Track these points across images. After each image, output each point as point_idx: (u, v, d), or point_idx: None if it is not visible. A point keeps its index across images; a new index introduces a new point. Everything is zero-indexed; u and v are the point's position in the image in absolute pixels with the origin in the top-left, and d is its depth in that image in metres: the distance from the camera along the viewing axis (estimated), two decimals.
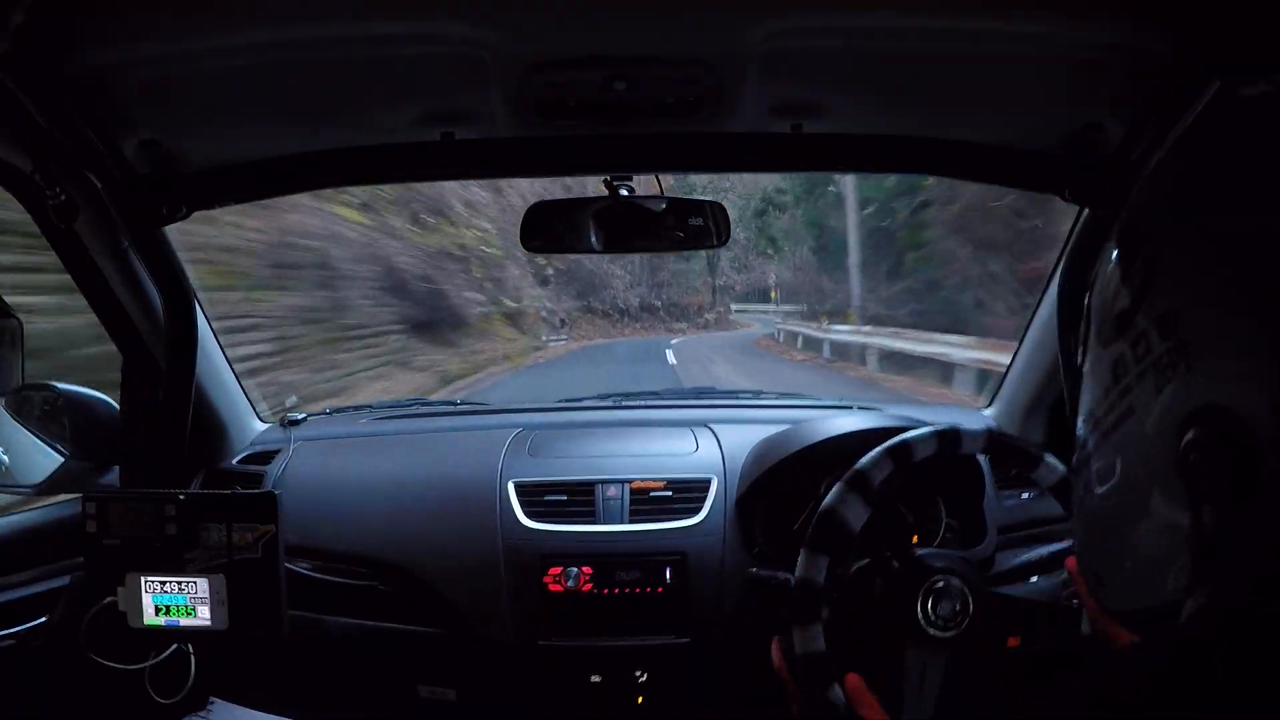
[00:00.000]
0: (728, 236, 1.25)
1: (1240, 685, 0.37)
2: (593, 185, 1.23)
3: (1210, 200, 0.43)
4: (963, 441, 0.96)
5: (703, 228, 1.23)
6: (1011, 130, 1.10)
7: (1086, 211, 1.17)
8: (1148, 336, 0.43)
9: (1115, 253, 0.48)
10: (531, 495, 1.29)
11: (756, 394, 1.75)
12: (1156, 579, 0.43)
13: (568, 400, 1.75)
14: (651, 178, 1.26)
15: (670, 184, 1.27)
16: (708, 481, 1.30)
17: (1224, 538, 0.38)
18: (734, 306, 26.90)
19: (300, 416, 1.54)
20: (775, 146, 1.12)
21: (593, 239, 1.23)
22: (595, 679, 1.24)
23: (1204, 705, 0.37)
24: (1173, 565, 0.42)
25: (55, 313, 3.11)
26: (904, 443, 0.95)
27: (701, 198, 1.24)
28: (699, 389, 1.80)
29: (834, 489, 0.93)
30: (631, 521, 1.26)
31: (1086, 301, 0.54)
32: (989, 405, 1.59)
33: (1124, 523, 0.46)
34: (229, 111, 1.03)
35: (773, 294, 26.91)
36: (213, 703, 1.29)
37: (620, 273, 20.70)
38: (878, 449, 0.94)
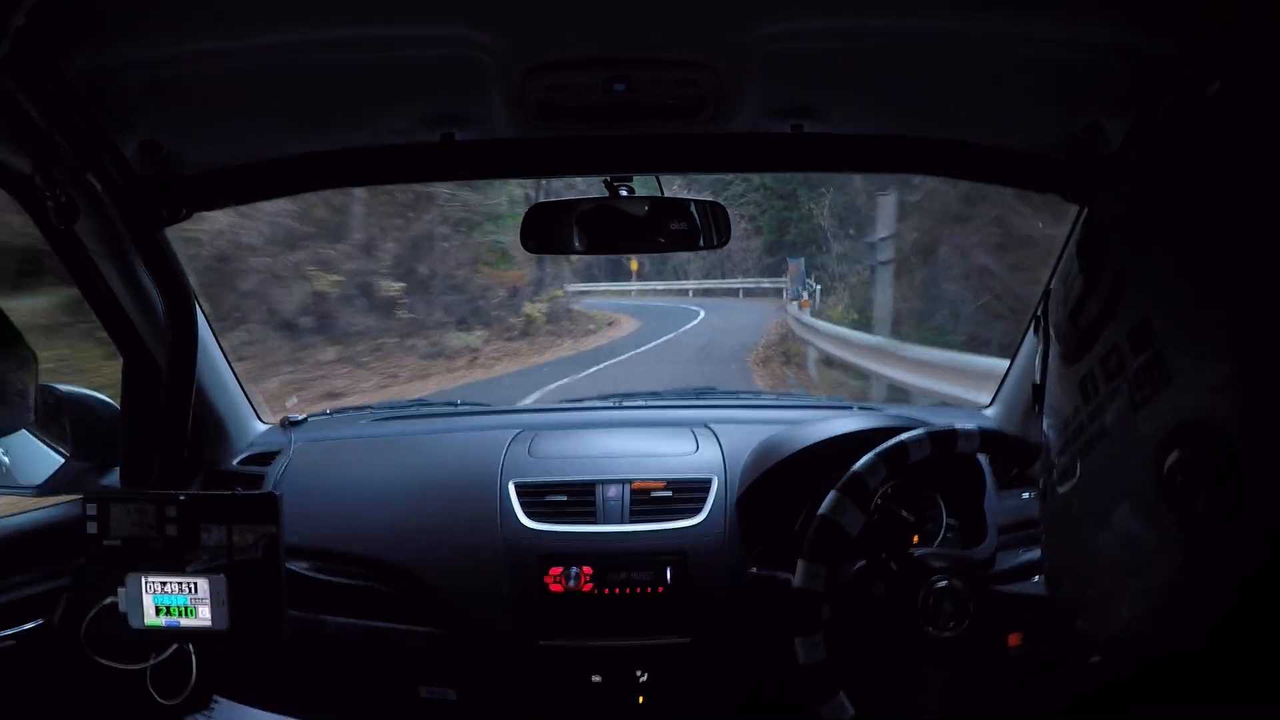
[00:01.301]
0: (728, 237, 1.25)
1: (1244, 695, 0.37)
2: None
3: (1186, 199, 0.39)
4: (958, 441, 0.96)
5: (703, 228, 1.23)
6: (1011, 131, 1.10)
7: (1086, 212, 1.18)
8: (1119, 351, 0.40)
9: (1079, 259, 0.45)
10: (532, 495, 1.29)
11: (756, 394, 1.76)
12: (1130, 600, 0.41)
13: (568, 400, 1.76)
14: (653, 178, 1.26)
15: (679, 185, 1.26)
16: (708, 482, 1.30)
17: (1218, 560, 0.36)
18: (571, 288, 16.90)
19: (300, 417, 1.54)
20: (775, 147, 1.12)
21: (592, 240, 1.23)
22: (596, 679, 1.24)
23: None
24: (1138, 581, 0.40)
25: None
26: (898, 445, 0.94)
27: (701, 197, 1.24)
28: (699, 389, 1.80)
29: (829, 496, 0.93)
30: (632, 521, 1.26)
31: (1037, 313, 0.51)
32: (990, 405, 1.59)
33: (1102, 548, 0.43)
34: (229, 113, 1.03)
35: (633, 265, 19.92)
36: (216, 701, 1.29)
37: (282, 212, 6.96)
38: (871, 454, 0.94)
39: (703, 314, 14.82)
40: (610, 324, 14.01)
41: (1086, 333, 0.42)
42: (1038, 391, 0.51)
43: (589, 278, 20.08)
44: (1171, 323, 0.38)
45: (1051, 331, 0.48)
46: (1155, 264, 0.40)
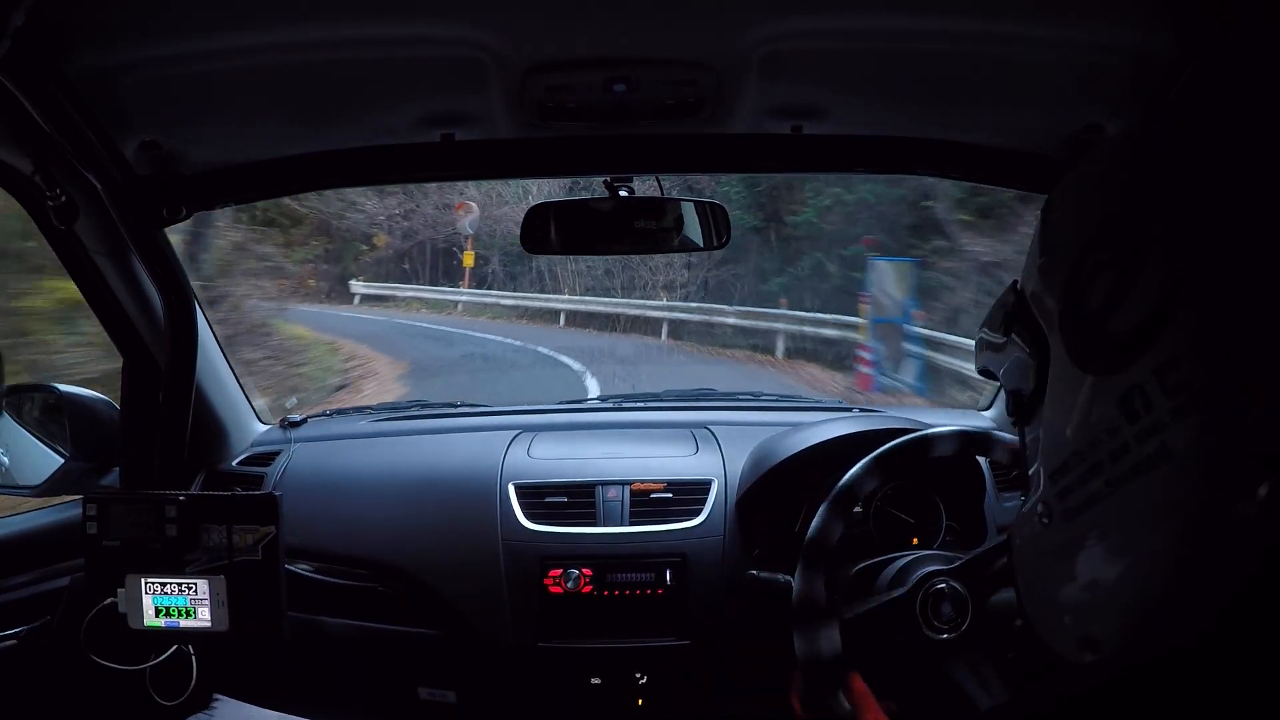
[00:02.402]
0: (728, 237, 1.25)
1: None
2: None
3: (1253, 190, 0.34)
4: (933, 446, 0.95)
5: (703, 228, 1.23)
6: (1011, 132, 1.10)
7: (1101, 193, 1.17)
8: (1182, 363, 0.34)
9: (1102, 250, 0.39)
10: (531, 497, 1.29)
11: (756, 395, 1.75)
12: (1141, 621, 0.39)
13: (568, 402, 1.75)
14: (653, 178, 1.26)
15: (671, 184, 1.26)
16: (708, 483, 1.29)
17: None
18: (360, 285, 12.97)
19: (300, 418, 1.54)
20: (775, 148, 1.12)
21: (592, 240, 1.23)
22: (595, 681, 1.24)
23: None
24: (1157, 603, 0.38)
25: None
26: (886, 453, 0.93)
27: (701, 198, 1.24)
28: (698, 390, 1.80)
29: (819, 513, 0.93)
30: (632, 523, 1.26)
31: (1009, 308, 0.45)
32: (989, 408, 1.59)
33: (1121, 578, 0.39)
34: (229, 113, 1.03)
35: (467, 260, 12.93)
36: (217, 700, 1.28)
37: None
38: (860, 464, 0.94)
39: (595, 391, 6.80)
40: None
41: (1130, 339, 0.37)
42: (1025, 405, 0.45)
43: (403, 276, 13.19)
44: (1253, 332, 0.33)
45: (1059, 334, 0.41)
46: (1222, 261, 0.34)
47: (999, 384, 1.55)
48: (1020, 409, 0.46)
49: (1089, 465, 0.39)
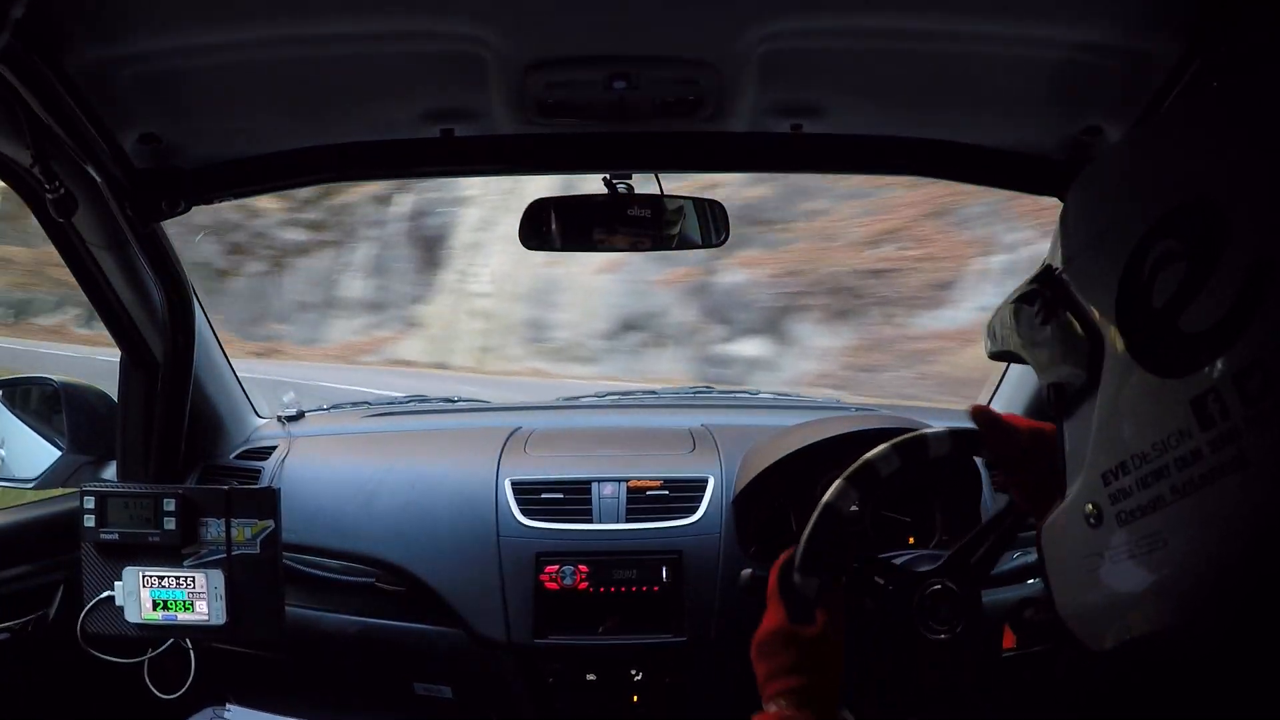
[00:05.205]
0: (727, 235, 1.24)
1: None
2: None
3: None
4: (928, 448, 0.92)
5: (701, 226, 1.23)
6: (1011, 133, 1.10)
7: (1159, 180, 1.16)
8: (1265, 368, 0.33)
9: (1166, 241, 0.37)
10: (528, 493, 1.29)
11: (754, 394, 1.75)
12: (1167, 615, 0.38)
13: (566, 399, 1.76)
14: (651, 176, 1.26)
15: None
16: (704, 481, 1.30)
17: None
18: None
19: (297, 412, 1.54)
20: (775, 147, 1.12)
21: (591, 237, 1.23)
22: (590, 677, 1.25)
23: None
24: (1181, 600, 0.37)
25: None
26: (866, 464, 0.91)
27: (700, 196, 1.24)
28: (696, 388, 1.80)
29: (837, 482, 0.90)
30: (628, 520, 1.26)
31: (1050, 294, 0.43)
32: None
33: (1161, 579, 0.37)
34: (228, 106, 1.02)
35: None
36: (229, 708, 1.29)
37: None
38: (939, 428, 0.90)
39: None
40: None
41: (1205, 339, 0.35)
42: (1070, 399, 0.42)
43: None
44: None
45: (1118, 329, 0.39)
46: None
47: (997, 384, 1.56)
48: (1063, 402, 0.43)
49: (1152, 469, 0.37)
